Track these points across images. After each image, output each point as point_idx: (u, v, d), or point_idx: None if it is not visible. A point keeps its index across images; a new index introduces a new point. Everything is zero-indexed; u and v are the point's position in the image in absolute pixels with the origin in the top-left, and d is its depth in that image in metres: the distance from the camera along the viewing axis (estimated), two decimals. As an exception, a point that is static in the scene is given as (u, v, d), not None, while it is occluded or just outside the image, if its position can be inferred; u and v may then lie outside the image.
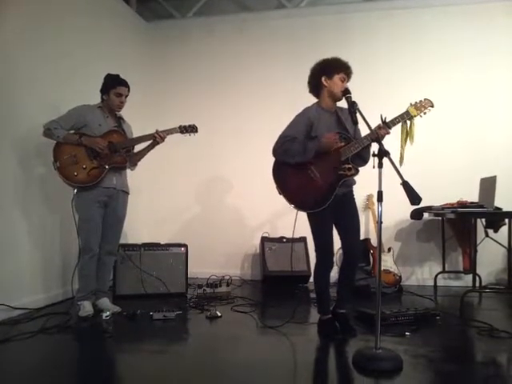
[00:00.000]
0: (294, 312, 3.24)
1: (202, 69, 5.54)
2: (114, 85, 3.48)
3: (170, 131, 3.61)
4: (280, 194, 3.00)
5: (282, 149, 2.97)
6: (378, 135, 2.70)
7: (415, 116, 2.82)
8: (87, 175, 3.37)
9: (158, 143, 3.60)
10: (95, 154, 3.41)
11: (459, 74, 4.90)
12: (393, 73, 5.00)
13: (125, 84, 3.53)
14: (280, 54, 5.33)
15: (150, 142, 3.61)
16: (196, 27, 5.62)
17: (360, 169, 2.97)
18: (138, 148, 3.71)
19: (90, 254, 3.44)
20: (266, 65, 5.36)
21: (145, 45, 5.57)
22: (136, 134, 3.69)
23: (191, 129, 3.67)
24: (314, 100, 3.07)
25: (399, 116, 2.81)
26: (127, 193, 3.68)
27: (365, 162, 2.97)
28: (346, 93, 2.83)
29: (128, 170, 3.74)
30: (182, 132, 3.64)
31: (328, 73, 2.92)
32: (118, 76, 3.53)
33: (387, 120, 2.77)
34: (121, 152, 3.51)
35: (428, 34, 5.00)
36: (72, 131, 3.44)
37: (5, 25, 3.44)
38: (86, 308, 3.41)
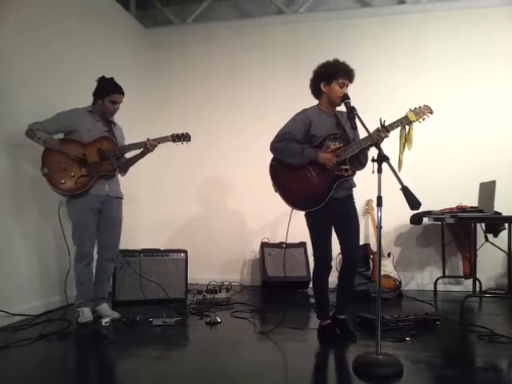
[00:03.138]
0: (284, 316, 3.24)
1: (201, 74, 5.55)
2: (110, 92, 3.43)
3: (162, 140, 3.55)
4: (276, 191, 3.00)
5: (279, 146, 2.97)
6: (377, 139, 2.71)
7: (414, 121, 2.83)
8: (75, 183, 3.32)
9: (148, 151, 3.56)
10: (84, 162, 3.36)
11: (458, 78, 4.91)
12: (391, 78, 5.02)
13: (121, 91, 3.48)
14: (279, 60, 5.35)
15: (140, 149, 3.57)
16: (195, 33, 5.64)
17: (359, 174, 2.97)
18: (129, 154, 3.70)
19: (86, 261, 3.42)
20: (264, 70, 5.38)
21: (144, 50, 5.58)
22: (133, 139, 3.65)
23: (184, 137, 3.60)
24: (313, 105, 3.08)
25: (398, 120, 2.82)
26: (121, 198, 3.65)
27: (362, 165, 2.98)
28: (345, 98, 2.83)
29: (120, 176, 3.72)
30: (173, 140, 3.58)
31: (327, 79, 2.92)
32: (113, 81, 3.48)
33: (386, 124, 2.78)
34: (111, 160, 3.48)
35: (426, 39, 5.02)
36: (59, 135, 3.40)
37: (4, 27, 3.45)
38: (86, 314, 3.39)
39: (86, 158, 3.36)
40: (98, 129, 3.50)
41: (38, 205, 3.74)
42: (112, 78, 3.50)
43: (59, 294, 3.85)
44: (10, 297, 3.37)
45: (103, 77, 3.50)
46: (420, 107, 2.86)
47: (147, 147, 3.52)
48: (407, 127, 2.86)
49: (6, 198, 3.46)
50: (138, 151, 3.62)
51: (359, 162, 2.96)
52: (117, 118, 3.75)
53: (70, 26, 4.15)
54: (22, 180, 3.61)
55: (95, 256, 3.59)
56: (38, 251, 3.73)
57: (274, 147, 3.00)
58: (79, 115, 3.44)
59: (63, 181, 3.30)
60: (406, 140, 2.87)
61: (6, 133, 3.46)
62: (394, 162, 2.55)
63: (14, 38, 3.52)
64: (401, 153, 2.89)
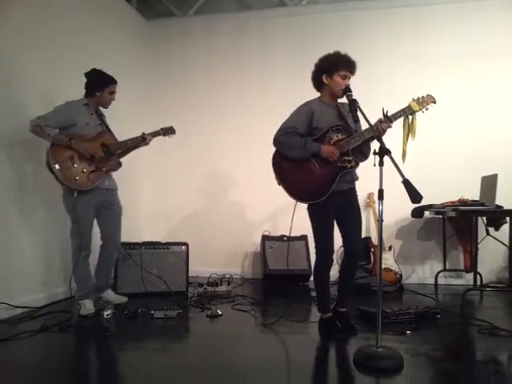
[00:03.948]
0: (286, 309, 3.23)
1: (202, 67, 5.53)
2: (108, 83, 3.50)
3: (155, 134, 3.68)
4: (279, 184, 2.99)
5: (282, 140, 2.96)
6: (379, 132, 2.70)
7: (417, 111, 2.82)
8: (87, 179, 3.36)
9: (144, 145, 3.66)
10: (92, 158, 3.40)
11: (459, 71, 4.88)
12: (393, 70, 4.99)
13: (116, 81, 3.56)
14: (281, 52, 5.33)
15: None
16: (197, 25, 5.61)
17: (361, 167, 2.97)
18: None
19: (86, 252, 3.46)
20: (266, 63, 5.35)
21: (145, 43, 5.56)
22: (134, 132, 3.67)
23: (170, 131, 3.75)
24: (315, 97, 3.07)
25: (401, 110, 2.81)
26: (117, 189, 3.72)
27: (365, 156, 2.96)
28: (347, 91, 2.82)
29: None
30: (164, 134, 3.72)
31: (328, 71, 2.91)
32: (104, 72, 3.52)
33: (389, 114, 2.76)
34: (115, 155, 3.56)
35: (428, 31, 4.99)
36: (57, 130, 3.39)
37: (5, 22, 3.43)
38: (87, 307, 3.41)
39: (94, 154, 3.40)
40: (94, 122, 3.53)
41: (41, 198, 3.75)
42: (101, 70, 3.53)
43: (63, 286, 3.86)
44: (13, 289, 3.39)
45: (95, 69, 3.51)
46: (423, 97, 2.84)
47: (146, 142, 3.62)
48: (410, 117, 2.85)
49: (10, 192, 3.48)
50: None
51: (362, 153, 2.95)
52: (117, 111, 3.76)
53: (70, 18, 4.13)
54: (25, 175, 3.63)
55: (97, 248, 3.65)
56: (43, 243, 3.75)
57: (277, 141, 2.99)
58: (76, 109, 3.44)
59: (77, 177, 3.31)
60: (409, 130, 2.86)
61: (10, 129, 3.47)
62: (396, 153, 2.54)
63: (14, 33, 3.50)
64: (404, 143, 2.87)
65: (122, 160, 3.71)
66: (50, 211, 3.80)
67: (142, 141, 3.61)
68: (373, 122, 2.75)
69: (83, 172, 3.35)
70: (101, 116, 3.62)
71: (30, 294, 3.54)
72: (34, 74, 3.68)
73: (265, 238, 4.90)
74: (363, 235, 4.42)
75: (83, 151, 3.35)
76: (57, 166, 3.27)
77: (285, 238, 4.82)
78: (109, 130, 3.61)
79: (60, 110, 3.38)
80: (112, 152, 3.52)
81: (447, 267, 4.71)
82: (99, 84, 3.48)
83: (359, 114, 2.75)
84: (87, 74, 3.51)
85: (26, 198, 3.61)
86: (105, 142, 3.49)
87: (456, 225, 4.59)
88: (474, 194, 4.10)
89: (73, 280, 3.55)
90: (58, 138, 3.30)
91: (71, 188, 3.32)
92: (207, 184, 5.48)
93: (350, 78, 2.91)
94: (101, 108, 3.64)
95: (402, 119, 2.84)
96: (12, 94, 3.50)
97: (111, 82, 3.51)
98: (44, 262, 3.77)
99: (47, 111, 3.36)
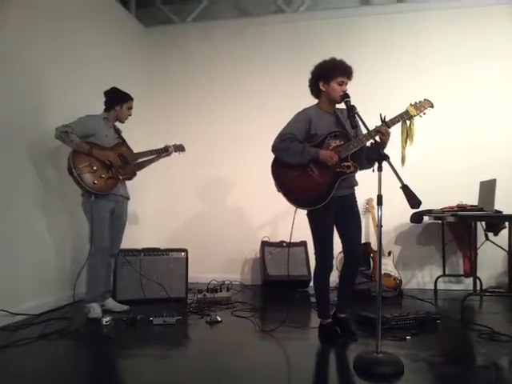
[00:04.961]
0: (286, 315, 3.22)
1: (201, 74, 5.55)
2: (127, 98, 3.79)
3: (179, 148, 4.08)
4: (278, 191, 2.99)
5: (281, 146, 2.96)
6: (383, 136, 2.72)
7: (415, 116, 2.83)
8: (105, 184, 3.56)
9: (166, 155, 3.98)
10: (109, 165, 3.61)
11: (457, 77, 4.91)
12: (391, 76, 5.02)
13: (133, 98, 3.85)
14: (279, 59, 5.35)
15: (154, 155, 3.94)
16: (195, 32, 5.63)
17: (360, 172, 2.97)
18: None
19: (102, 254, 3.58)
20: (265, 69, 5.37)
21: (144, 50, 5.58)
22: (134, 139, 3.81)
23: (181, 148, 4.12)
24: (313, 103, 3.08)
25: (399, 115, 2.82)
26: (129, 199, 3.89)
27: (371, 165, 2.86)
28: (345, 97, 2.83)
29: None
30: (175, 150, 4.06)
31: (325, 78, 2.92)
32: (122, 90, 3.79)
33: (387, 119, 2.77)
34: (131, 164, 3.82)
35: (425, 37, 5.02)
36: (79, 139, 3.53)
37: (4, 27, 3.45)
38: (96, 310, 3.47)
39: (112, 162, 3.62)
40: (112, 134, 3.78)
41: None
42: (119, 88, 3.80)
43: (63, 292, 3.88)
44: (12, 295, 3.38)
45: (114, 87, 3.78)
46: (420, 101, 2.86)
47: (168, 153, 3.96)
48: (408, 122, 2.86)
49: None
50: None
51: (368, 160, 2.90)
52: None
53: (69, 25, 4.14)
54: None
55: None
56: (46, 249, 3.79)
57: (275, 147, 3.00)
58: (97, 121, 3.67)
59: (95, 181, 3.51)
60: (407, 135, 2.87)
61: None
62: (395, 158, 2.55)
63: (12, 39, 3.51)
64: (403, 148, 2.88)
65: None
66: (57, 217, 3.89)
67: (166, 151, 3.94)
68: (371, 127, 2.76)
69: (101, 177, 3.55)
70: (118, 131, 3.85)
71: (30, 301, 3.53)
72: (32, 79, 3.70)
73: (264, 244, 4.90)
74: (363, 241, 4.43)
75: (102, 158, 3.57)
76: (77, 171, 3.45)
77: (284, 244, 4.83)
78: (125, 142, 3.85)
79: (82, 120, 3.59)
80: (128, 161, 3.76)
81: (447, 272, 4.72)
82: (119, 100, 3.75)
83: (358, 119, 2.77)
84: (107, 92, 3.77)
85: (32, 203, 3.66)
86: (122, 153, 3.75)
87: (455, 230, 4.59)
88: (472, 199, 4.11)
89: (76, 285, 3.57)
90: (81, 146, 3.49)
91: (89, 192, 3.48)
92: (206, 190, 5.49)
93: (347, 84, 2.92)
94: (117, 124, 3.86)
95: (400, 124, 2.85)
96: (13, 98, 3.52)
97: (129, 98, 3.80)
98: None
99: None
